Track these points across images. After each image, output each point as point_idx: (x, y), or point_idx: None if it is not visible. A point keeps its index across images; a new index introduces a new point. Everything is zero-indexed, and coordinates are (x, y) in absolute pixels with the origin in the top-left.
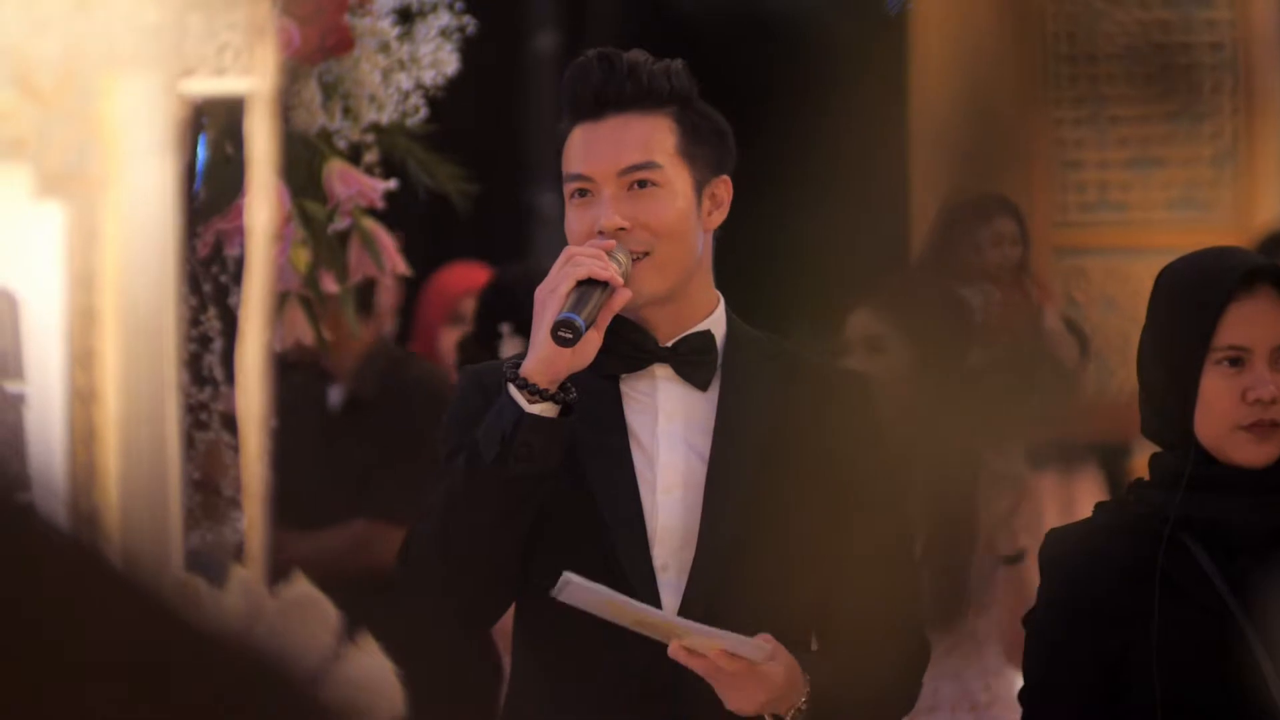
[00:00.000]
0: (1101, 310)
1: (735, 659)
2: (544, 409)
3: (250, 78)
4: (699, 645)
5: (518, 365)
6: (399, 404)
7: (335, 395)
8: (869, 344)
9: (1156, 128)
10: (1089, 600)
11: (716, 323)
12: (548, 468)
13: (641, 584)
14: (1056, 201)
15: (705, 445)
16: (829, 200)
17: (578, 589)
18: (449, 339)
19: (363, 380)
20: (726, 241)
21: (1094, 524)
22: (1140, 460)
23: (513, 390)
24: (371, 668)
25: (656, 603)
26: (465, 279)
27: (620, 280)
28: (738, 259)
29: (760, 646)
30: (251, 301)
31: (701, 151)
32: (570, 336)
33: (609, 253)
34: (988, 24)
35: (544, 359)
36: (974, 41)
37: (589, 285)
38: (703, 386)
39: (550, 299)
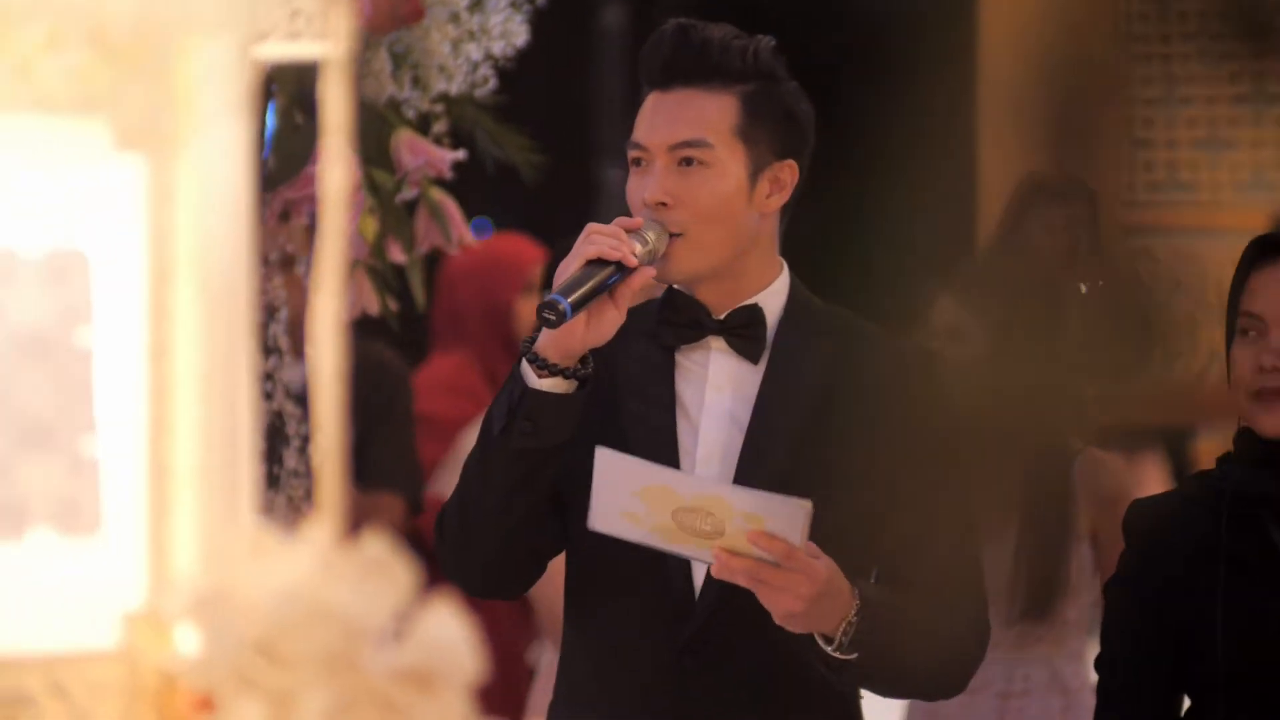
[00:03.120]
0: (1168, 291)
1: (774, 540)
2: (553, 384)
3: (324, 43)
4: (739, 545)
5: (534, 340)
6: (368, 377)
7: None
8: (951, 333)
9: (1226, 109)
10: (1162, 572)
11: (774, 295)
12: (555, 442)
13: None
14: (1124, 181)
15: (748, 417)
16: (898, 180)
17: (609, 459)
18: (527, 308)
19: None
20: (796, 222)
21: (1176, 496)
22: (1205, 443)
23: (524, 364)
24: (445, 630)
25: (689, 575)
26: (527, 250)
27: (634, 260)
28: (808, 240)
29: (801, 504)
30: (325, 266)
31: (763, 134)
32: (553, 318)
33: (637, 230)
34: (1059, 2)
35: (554, 335)
36: (1045, 21)
37: (597, 264)
38: (754, 359)
39: (563, 274)
